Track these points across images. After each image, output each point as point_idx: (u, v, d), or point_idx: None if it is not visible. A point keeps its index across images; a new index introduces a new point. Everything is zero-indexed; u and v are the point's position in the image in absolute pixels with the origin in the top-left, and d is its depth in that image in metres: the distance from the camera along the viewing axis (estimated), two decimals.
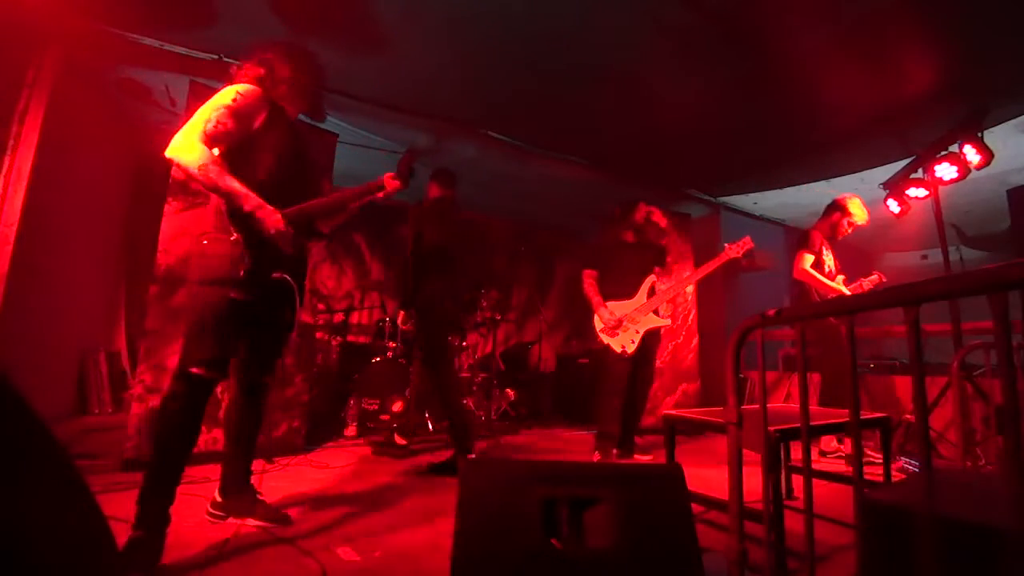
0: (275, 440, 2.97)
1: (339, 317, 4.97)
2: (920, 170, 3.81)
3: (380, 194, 2.05)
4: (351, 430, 3.72)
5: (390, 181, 2.04)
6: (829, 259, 3.49)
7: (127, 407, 3.06)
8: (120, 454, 2.51)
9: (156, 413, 1.66)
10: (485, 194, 5.27)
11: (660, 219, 3.44)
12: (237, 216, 1.63)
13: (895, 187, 4.03)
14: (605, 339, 3.23)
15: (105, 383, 4.06)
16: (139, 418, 2.56)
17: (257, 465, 2.69)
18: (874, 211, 4.23)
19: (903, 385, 3.92)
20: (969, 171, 3.48)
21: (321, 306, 4.78)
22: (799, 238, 3.55)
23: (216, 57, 3.03)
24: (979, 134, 3.38)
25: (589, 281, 3.34)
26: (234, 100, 1.66)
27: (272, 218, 1.65)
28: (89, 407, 3.93)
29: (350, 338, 4.86)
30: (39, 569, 0.58)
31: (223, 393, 2.82)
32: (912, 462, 3.15)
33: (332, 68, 3.17)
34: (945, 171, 3.54)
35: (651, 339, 3.30)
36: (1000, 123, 3.52)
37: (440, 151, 4.26)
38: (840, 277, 3.50)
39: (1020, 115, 3.47)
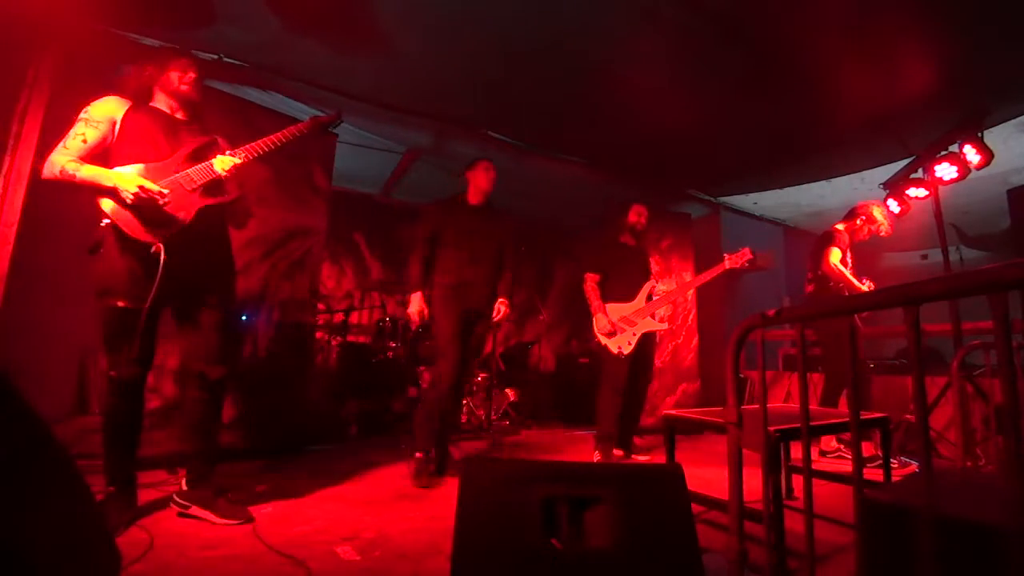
0: (275, 440, 2.97)
1: (339, 317, 4.96)
2: (920, 170, 3.81)
3: (299, 128, 2.07)
4: (351, 430, 3.72)
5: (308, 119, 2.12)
6: (849, 260, 3.50)
7: None
8: None
9: (101, 403, 1.93)
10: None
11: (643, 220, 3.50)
12: (117, 207, 1.74)
13: (895, 187, 4.03)
14: (603, 340, 3.26)
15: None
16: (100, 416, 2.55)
17: (257, 465, 2.70)
18: None
19: (903, 385, 3.92)
20: (969, 171, 3.47)
21: (321, 306, 4.78)
22: (823, 236, 3.55)
23: (216, 57, 3.03)
24: (979, 134, 3.38)
25: (591, 284, 3.37)
26: (85, 113, 1.84)
27: (128, 180, 1.72)
28: (89, 407, 3.93)
29: (350, 338, 4.86)
30: (39, 567, 0.58)
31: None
32: (907, 460, 3.15)
33: (331, 67, 3.19)
34: (945, 171, 3.54)
35: (648, 341, 3.33)
36: (1000, 123, 3.51)
37: (440, 150, 4.26)
38: (868, 282, 3.48)
39: (1020, 115, 3.47)
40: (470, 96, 3.51)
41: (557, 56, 3.01)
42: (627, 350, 3.20)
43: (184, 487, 1.95)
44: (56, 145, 1.79)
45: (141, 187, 1.72)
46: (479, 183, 2.94)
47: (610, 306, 3.30)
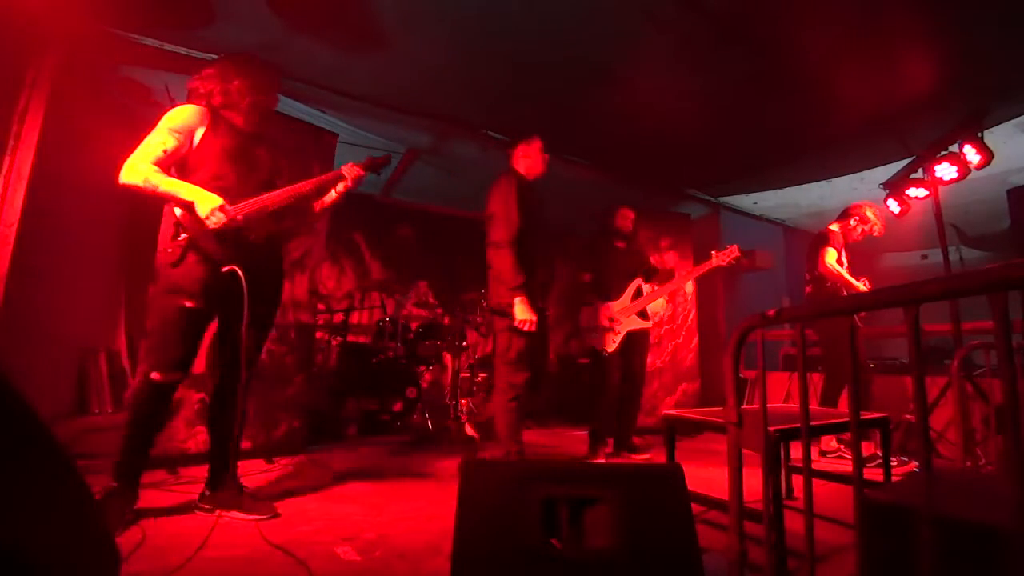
0: (275, 440, 2.97)
1: (339, 317, 4.96)
2: (920, 170, 3.81)
3: (344, 185, 2.15)
4: (351, 430, 3.72)
5: (351, 169, 2.15)
6: (845, 260, 3.52)
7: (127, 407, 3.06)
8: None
9: (126, 404, 1.84)
10: (485, 194, 5.26)
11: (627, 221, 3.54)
12: (185, 216, 1.78)
13: (895, 187, 4.02)
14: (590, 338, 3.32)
15: (105, 383, 4.05)
16: (125, 415, 2.56)
17: (257, 465, 2.70)
18: (875, 211, 4.22)
19: (903, 385, 3.92)
20: (969, 171, 3.48)
21: (321, 306, 4.78)
22: (818, 236, 3.58)
23: (216, 57, 3.03)
24: (979, 134, 3.38)
25: (585, 284, 3.43)
26: (171, 120, 1.85)
27: (208, 201, 1.77)
28: (89, 407, 3.93)
29: (350, 338, 4.85)
30: (39, 567, 0.58)
31: None
32: (907, 460, 3.15)
33: (331, 67, 3.19)
34: (945, 171, 3.54)
35: (636, 340, 3.36)
36: (1000, 123, 3.51)
37: (440, 150, 4.26)
38: (864, 280, 3.50)
39: (1020, 115, 3.47)
40: (470, 96, 3.51)
41: (557, 56, 3.01)
42: (611, 348, 3.24)
43: (206, 491, 1.96)
44: (135, 150, 1.79)
45: (221, 207, 1.79)
46: (535, 166, 2.86)
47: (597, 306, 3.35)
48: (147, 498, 2.05)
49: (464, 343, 4.60)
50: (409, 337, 4.30)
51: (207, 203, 1.78)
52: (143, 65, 3.18)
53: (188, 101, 1.97)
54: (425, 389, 4.24)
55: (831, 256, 3.40)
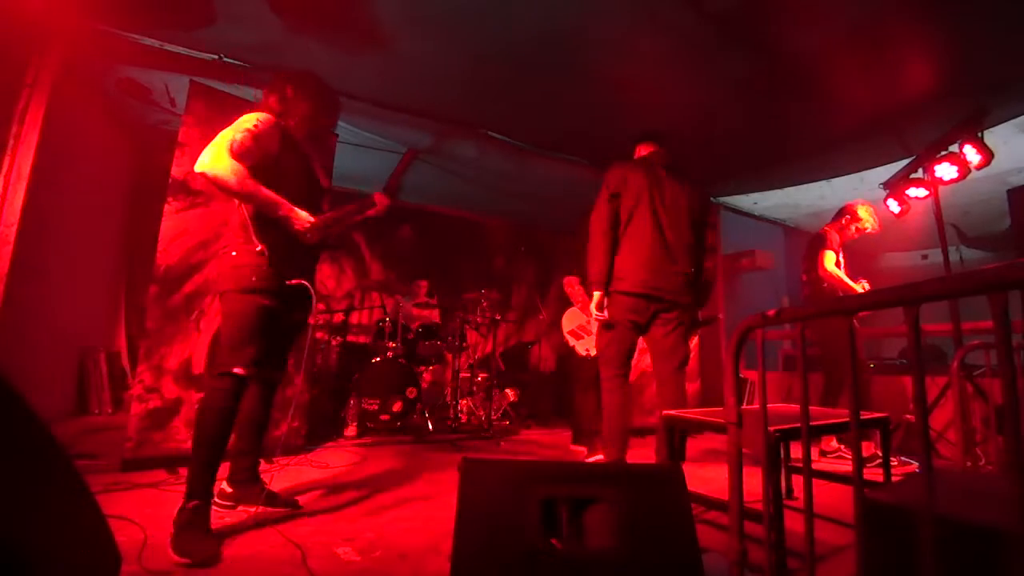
0: (275, 440, 2.96)
1: (339, 317, 4.96)
2: (920, 170, 3.80)
3: (372, 212, 2.27)
4: (351, 430, 3.72)
5: (380, 199, 2.24)
6: (841, 260, 3.52)
7: (127, 407, 3.06)
8: (120, 454, 2.50)
9: (200, 407, 1.83)
10: (485, 194, 5.27)
11: None
12: (265, 226, 1.84)
13: (895, 187, 4.02)
14: (571, 341, 3.31)
15: (105, 383, 4.05)
16: (139, 418, 2.56)
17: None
18: (874, 211, 4.22)
19: (903, 385, 3.92)
20: (969, 171, 3.47)
21: (321, 306, 4.78)
22: (814, 239, 3.57)
23: (216, 57, 3.03)
24: (979, 134, 3.37)
25: (575, 288, 3.44)
26: (255, 126, 1.83)
27: (303, 217, 1.88)
28: (89, 407, 3.93)
29: (350, 338, 4.86)
30: (39, 568, 0.58)
31: None
32: (907, 460, 3.15)
33: (331, 67, 3.19)
34: (945, 171, 3.54)
35: None
36: (1000, 123, 3.51)
37: (440, 150, 4.26)
38: (863, 282, 3.50)
39: (1020, 115, 3.47)
40: (470, 96, 3.51)
41: (557, 56, 3.01)
42: (594, 352, 3.25)
43: (227, 488, 1.99)
44: (217, 141, 1.75)
45: (313, 224, 1.88)
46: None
47: (578, 308, 3.37)
48: (147, 498, 2.06)
49: (464, 343, 4.60)
50: (409, 337, 4.30)
51: (305, 218, 1.87)
52: (143, 65, 3.18)
53: (259, 110, 1.97)
54: (425, 389, 4.23)
55: (830, 259, 3.39)
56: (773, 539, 1.28)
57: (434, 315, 4.83)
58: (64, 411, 3.78)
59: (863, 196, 4.79)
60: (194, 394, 2.72)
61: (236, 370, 1.78)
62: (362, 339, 5.12)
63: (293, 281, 1.87)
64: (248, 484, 2.00)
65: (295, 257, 1.91)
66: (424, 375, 4.44)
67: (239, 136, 1.77)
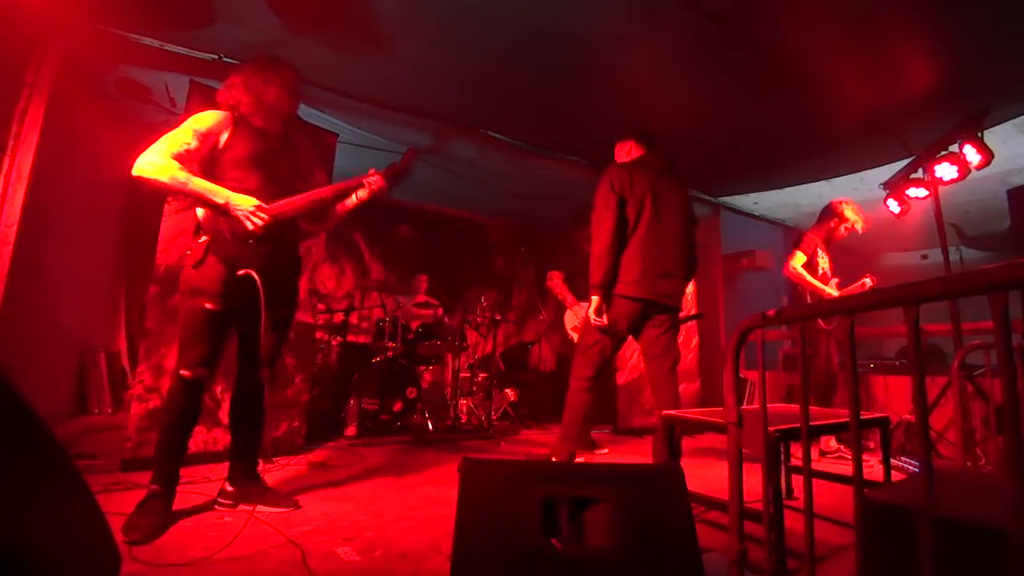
0: (275, 440, 2.96)
1: (339, 317, 4.96)
2: (920, 170, 3.80)
3: (366, 193, 2.13)
4: (351, 430, 3.73)
5: (376, 177, 2.12)
6: (824, 262, 3.54)
7: (127, 407, 3.07)
8: (120, 454, 2.50)
9: (161, 405, 1.92)
10: (485, 194, 5.27)
11: None
12: (215, 217, 1.80)
13: (895, 187, 4.02)
14: (574, 336, 3.32)
15: (105, 383, 4.06)
16: (139, 418, 2.56)
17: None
18: (874, 211, 4.24)
19: (903, 385, 3.92)
20: (969, 171, 3.47)
21: (321, 306, 4.78)
22: (794, 238, 3.62)
23: (216, 57, 3.03)
24: (979, 134, 3.38)
25: (556, 282, 3.45)
26: (196, 122, 1.85)
27: (244, 202, 1.81)
28: (89, 407, 3.93)
29: (350, 338, 4.86)
30: (39, 567, 0.58)
31: (223, 393, 2.83)
32: (911, 462, 3.15)
33: (331, 67, 3.19)
34: (945, 171, 3.54)
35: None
36: (1000, 123, 3.51)
37: (440, 150, 4.26)
38: (834, 281, 3.55)
39: (1020, 115, 3.47)
40: (470, 96, 3.51)
41: (557, 56, 3.01)
42: None
43: (228, 487, 2.01)
44: (153, 143, 1.77)
45: (258, 207, 1.82)
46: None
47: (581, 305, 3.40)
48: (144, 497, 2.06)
49: (464, 343, 4.60)
50: (409, 337, 4.30)
51: (245, 204, 1.81)
52: (143, 65, 3.18)
53: (215, 107, 1.97)
54: (425, 389, 4.23)
55: (798, 260, 3.44)
56: (773, 539, 1.28)
57: (437, 313, 4.83)
58: (64, 411, 3.78)
59: (863, 196, 4.79)
60: None
61: (182, 372, 1.83)
62: (362, 339, 5.12)
63: (241, 272, 1.82)
64: (247, 483, 2.02)
65: (248, 246, 1.84)
66: (424, 375, 4.43)
67: (177, 135, 1.80)
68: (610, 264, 2.47)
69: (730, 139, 4.04)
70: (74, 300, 3.81)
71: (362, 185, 2.12)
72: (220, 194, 1.79)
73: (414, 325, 4.44)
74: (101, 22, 2.78)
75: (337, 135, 3.56)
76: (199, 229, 1.85)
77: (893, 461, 2.33)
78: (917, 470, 2.90)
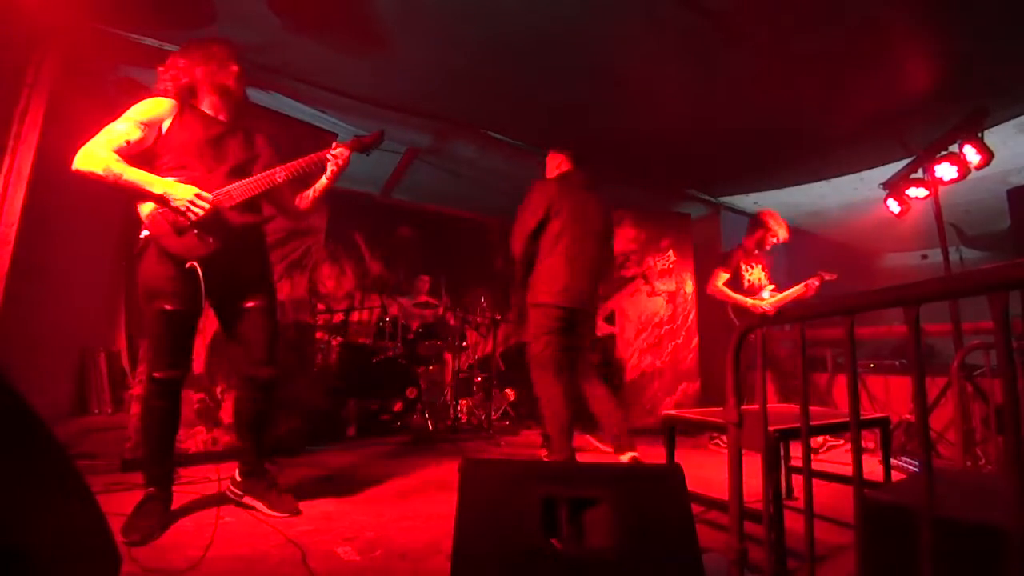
0: (275, 440, 2.96)
1: (339, 317, 4.96)
2: (920, 170, 3.80)
3: (335, 168, 2.02)
4: (351, 430, 3.72)
5: (338, 148, 2.02)
6: (753, 273, 3.76)
7: (127, 407, 3.06)
8: (120, 454, 2.50)
9: (140, 410, 1.93)
10: (485, 194, 5.27)
11: None
12: (151, 211, 1.75)
13: (895, 187, 4.02)
14: None
15: (105, 383, 4.05)
16: (139, 418, 2.55)
17: None
18: (874, 211, 4.24)
19: (903, 385, 3.92)
20: (969, 171, 3.47)
21: (321, 306, 4.78)
22: (720, 257, 3.86)
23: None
24: (979, 134, 3.37)
25: None
26: (136, 111, 1.79)
27: (182, 192, 1.71)
28: (89, 407, 3.93)
29: (350, 338, 4.85)
30: (39, 567, 0.58)
31: (223, 393, 2.84)
32: (911, 462, 3.15)
33: (331, 67, 3.19)
34: (945, 171, 3.54)
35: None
36: (1000, 123, 3.51)
37: (440, 150, 4.26)
38: (769, 288, 3.76)
39: (1020, 115, 3.47)
40: (470, 96, 3.51)
41: (557, 56, 3.01)
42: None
43: (238, 477, 2.05)
44: (93, 137, 1.71)
45: (198, 195, 1.73)
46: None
47: None
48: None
49: (464, 343, 4.60)
50: (409, 337, 4.30)
51: (183, 193, 1.71)
52: (143, 65, 3.18)
53: (156, 94, 1.88)
54: (425, 389, 4.23)
55: (719, 279, 3.67)
56: (773, 539, 1.28)
57: (437, 312, 4.83)
58: (64, 411, 3.78)
59: (863, 196, 4.80)
60: (193, 394, 2.72)
61: (154, 375, 1.83)
62: (362, 339, 5.12)
63: (188, 265, 1.75)
64: (254, 477, 2.04)
65: (192, 237, 1.77)
66: (424, 375, 4.43)
67: (115, 127, 1.74)
68: (526, 273, 2.82)
69: (730, 139, 4.03)
70: (74, 300, 3.81)
71: (327, 160, 2.00)
72: (157, 184, 1.71)
73: (414, 325, 4.44)
74: (101, 22, 2.78)
75: (337, 135, 3.56)
76: (140, 224, 1.79)
77: (893, 461, 2.33)
78: (917, 470, 2.90)
